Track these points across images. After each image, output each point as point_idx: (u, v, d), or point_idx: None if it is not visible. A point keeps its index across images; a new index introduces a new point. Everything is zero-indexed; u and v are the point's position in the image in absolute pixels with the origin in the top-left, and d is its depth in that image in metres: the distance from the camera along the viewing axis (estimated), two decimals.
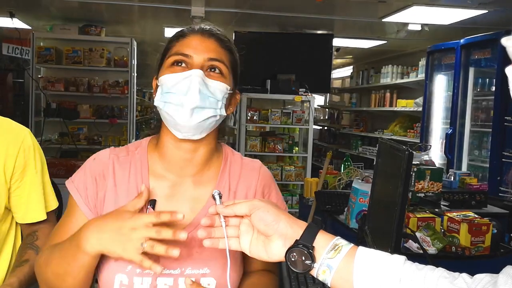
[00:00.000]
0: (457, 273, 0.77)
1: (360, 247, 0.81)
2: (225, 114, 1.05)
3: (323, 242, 0.81)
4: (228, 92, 1.04)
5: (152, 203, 1.03)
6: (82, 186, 1.06)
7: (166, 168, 1.07)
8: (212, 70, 1.02)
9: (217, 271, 1.01)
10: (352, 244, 0.82)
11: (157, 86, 1.05)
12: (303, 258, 0.80)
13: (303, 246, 0.80)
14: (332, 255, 0.80)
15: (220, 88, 1.01)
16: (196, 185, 1.08)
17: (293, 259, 0.81)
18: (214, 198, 0.89)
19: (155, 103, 1.02)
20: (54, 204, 1.46)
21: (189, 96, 0.96)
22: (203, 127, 1.01)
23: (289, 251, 0.81)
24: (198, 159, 1.07)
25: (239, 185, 1.11)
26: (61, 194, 3.95)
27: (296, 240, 0.82)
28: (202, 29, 1.06)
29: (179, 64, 1.01)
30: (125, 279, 0.99)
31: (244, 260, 1.12)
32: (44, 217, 1.41)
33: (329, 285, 0.80)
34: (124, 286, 0.99)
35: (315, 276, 0.81)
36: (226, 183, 1.10)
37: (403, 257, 0.79)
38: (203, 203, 1.07)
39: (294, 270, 0.81)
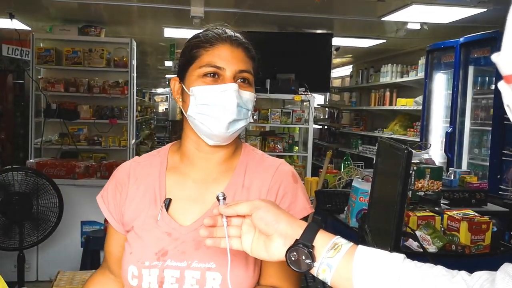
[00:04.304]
0: (455, 271, 0.77)
1: (360, 246, 0.81)
2: (252, 120, 1.09)
3: (323, 241, 0.82)
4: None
5: (166, 201, 1.08)
6: (106, 195, 1.16)
7: (185, 166, 1.13)
8: (242, 81, 1.07)
9: (223, 266, 1.01)
10: (352, 243, 0.82)
11: (182, 90, 1.10)
12: (303, 258, 0.81)
13: (303, 245, 0.81)
14: (331, 254, 0.80)
15: (250, 99, 1.08)
16: (211, 181, 1.11)
17: (293, 259, 0.81)
18: (218, 200, 0.90)
19: (189, 113, 1.07)
20: None
21: (228, 111, 1.03)
22: (234, 135, 1.09)
23: (289, 250, 0.82)
24: (218, 158, 1.12)
25: (253, 181, 1.11)
26: (61, 194, 3.94)
27: (296, 240, 0.82)
28: (229, 37, 1.08)
29: (211, 75, 1.05)
30: (136, 271, 1.05)
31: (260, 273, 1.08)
32: None
33: (329, 284, 0.81)
34: (135, 278, 1.05)
35: (315, 275, 0.81)
36: (240, 178, 1.11)
37: (402, 255, 0.80)
38: (215, 198, 1.08)
39: (295, 269, 0.82)
